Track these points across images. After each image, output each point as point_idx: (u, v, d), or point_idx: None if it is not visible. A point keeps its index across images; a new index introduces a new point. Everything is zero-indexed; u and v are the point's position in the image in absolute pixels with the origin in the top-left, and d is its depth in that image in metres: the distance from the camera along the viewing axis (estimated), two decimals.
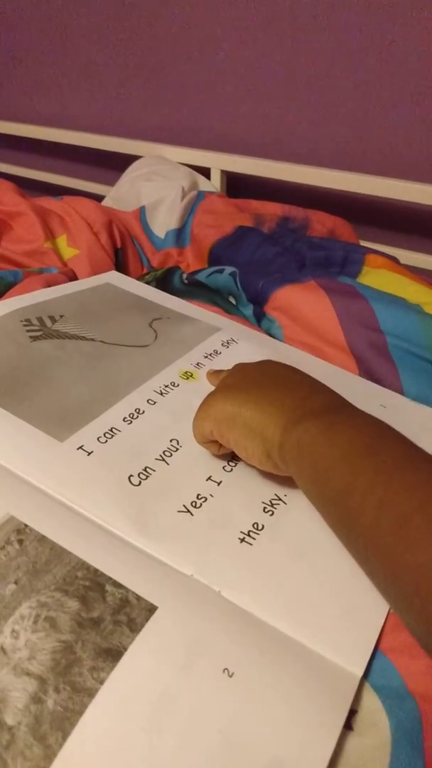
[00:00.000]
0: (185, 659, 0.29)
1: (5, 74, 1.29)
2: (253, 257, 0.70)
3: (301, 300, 0.58)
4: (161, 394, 0.48)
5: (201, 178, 0.96)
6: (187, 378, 0.50)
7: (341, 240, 0.78)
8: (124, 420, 0.44)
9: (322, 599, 0.33)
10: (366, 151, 0.93)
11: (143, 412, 0.45)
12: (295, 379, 0.41)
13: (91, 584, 0.32)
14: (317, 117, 0.95)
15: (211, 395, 0.41)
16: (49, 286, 0.62)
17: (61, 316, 0.56)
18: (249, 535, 0.36)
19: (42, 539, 0.34)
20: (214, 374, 0.49)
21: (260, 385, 0.40)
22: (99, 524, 0.36)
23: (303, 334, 0.58)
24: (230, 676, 0.28)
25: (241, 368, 0.44)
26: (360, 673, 0.30)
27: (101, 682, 0.28)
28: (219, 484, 0.40)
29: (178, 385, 0.49)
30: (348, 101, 0.91)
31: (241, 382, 0.41)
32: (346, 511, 0.31)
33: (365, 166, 0.93)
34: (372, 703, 0.29)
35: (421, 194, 0.82)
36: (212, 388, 0.45)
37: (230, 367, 0.46)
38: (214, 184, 1.00)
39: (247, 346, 0.56)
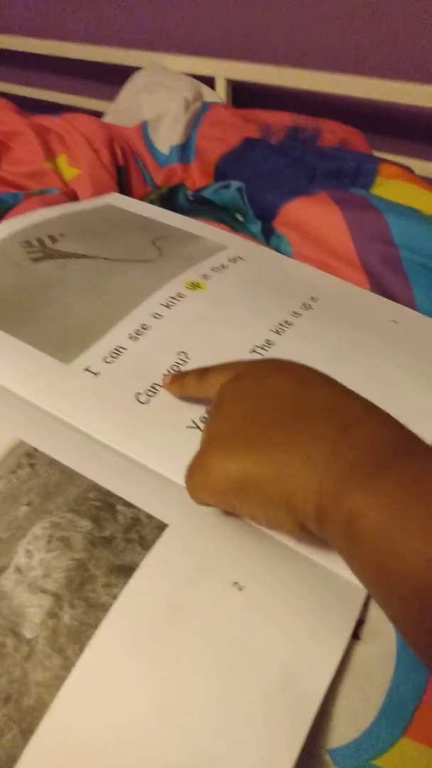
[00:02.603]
0: (196, 574, 0.29)
1: None
2: (261, 170, 0.67)
3: (312, 213, 0.56)
4: (167, 306, 0.46)
5: (205, 88, 0.91)
6: (194, 288, 0.49)
7: (353, 150, 0.74)
8: (130, 337, 0.43)
9: None
10: (381, 54, 0.87)
11: (149, 327, 0.44)
12: (313, 401, 0.29)
13: (103, 504, 0.32)
14: (328, 17, 0.88)
15: (204, 451, 0.30)
16: (50, 206, 0.60)
17: (62, 235, 0.54)
18: None
19: (52, 462, 0.34)
20: (194, 377, 0.36)
21: (268, 425, 0.28)
22: (108, 445, 0.36)
23: (313, 251, 0.56)
24: (240, 590, 0.29)
25: (232, 395, 0.32)
26: None
27: (114, 597, 0.28)
28: None
29: (184, 296, 0.48)
30: None
31: (240, 423, 0.29)
32: (425, 608, 0.22)
33: (380, 70, 0.88)
34: (379, 613, 0.29)
35: None
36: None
37: (218, 365, 0.35)
38: (219, 94, 0.95)
39: (255, 263, 0.54)
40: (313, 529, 0.27)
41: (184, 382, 0.37)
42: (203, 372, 0.36)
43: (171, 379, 0.38)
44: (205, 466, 0.29)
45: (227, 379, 0.33)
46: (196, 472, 0.30)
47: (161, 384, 0.40)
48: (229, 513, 0.32)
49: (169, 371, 0.41)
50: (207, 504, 0.31)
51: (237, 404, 0.31)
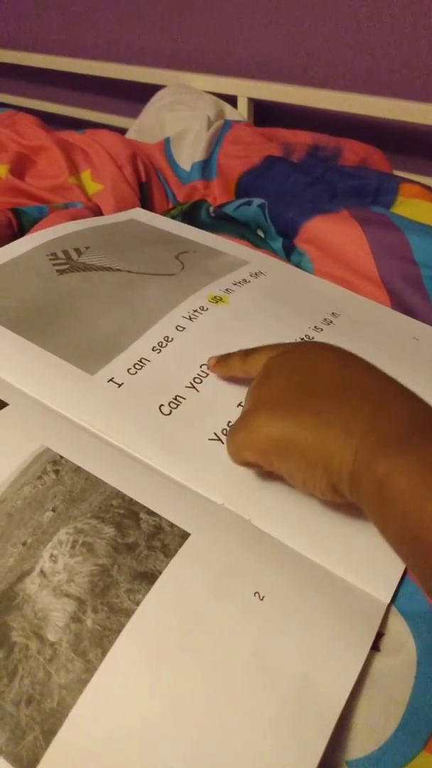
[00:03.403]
0: (217, 582, 0.30)
1: (21, 3, 1.24)
2: (283, 188, 0.68)
3: (333, 231, 0.56)
4: (190, 319, 0.47)
5: (227, 107, 0.93)
6: (217, 302, 0.49)
7: (374, 169, 0.75)
8: (153, 349, 0.44)
9: (351, 528, 0.33)
10: (401, 75, 0.88)
11: (172, 339, 0.45)
12: (354, 380, 0.32)
13: (126, 512, 0.33)
14: (349, 38, 0.90)
15: (250, 413, 0.33)
16: (74, 220, 0.61)
17: (87, 248, 0.55)
18: None
19: (77, 470, 0.35)
20: (238, 358, 0.39)
21: (312, 395, 0.31)
22: (132, 455, 0.37)
23: (334, 268, 0.56)
24: (261, 600, 0.29)
25: (279, 367, 0.35)
26: (387, 600, 0.30)
27: (137, 603, 0.29)
28: None
29: (207, 309, 0.48)
30: (383, 20, 0.86)
31: (286, 391, 0.32)
32: None
33: (401, 91, 0.89)
34: (399, 626, 0.30)
35: None
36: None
37: (261, 347, 0.38)
38: (241, 112, 0.96)
39: (277, 278, 0.55)
40: (345, 492, 0.29)
41: (228, 363, 0.40)
42: (248, 352, 0.39)
43: (216, 361, 0.41)
44: (251, 425, 0.32)
45: (271, 356, 0.36)
46: (240, 430, 0.33)
47: (184, 396, 0.40)
48: (265, 474, 0.35)
49: (192, 384, 0.41)
50: (246, 463, 0.34)
51: (283, 375, 0.34)
